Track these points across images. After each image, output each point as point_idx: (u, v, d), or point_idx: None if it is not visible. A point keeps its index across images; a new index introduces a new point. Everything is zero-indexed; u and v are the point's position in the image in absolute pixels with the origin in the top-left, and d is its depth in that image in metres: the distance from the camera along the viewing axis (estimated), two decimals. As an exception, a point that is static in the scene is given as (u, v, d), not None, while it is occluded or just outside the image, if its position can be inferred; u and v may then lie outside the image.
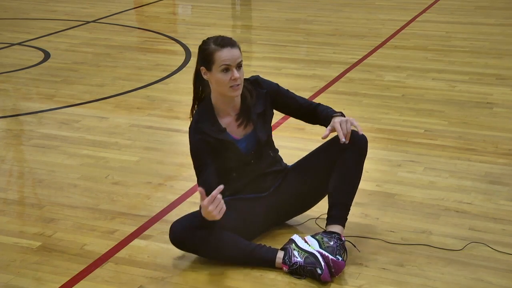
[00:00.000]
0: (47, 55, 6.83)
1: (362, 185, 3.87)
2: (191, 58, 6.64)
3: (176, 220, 3.26)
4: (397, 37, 7.31)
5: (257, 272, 3.15)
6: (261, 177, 3.46)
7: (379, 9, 8.58)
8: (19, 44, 7.29)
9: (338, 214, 3.29)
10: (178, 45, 7.18)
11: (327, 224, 3.27)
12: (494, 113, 5.16)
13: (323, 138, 3.25)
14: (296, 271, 3.10)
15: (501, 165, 4.27)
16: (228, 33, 7.89)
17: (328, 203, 3.33)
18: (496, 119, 5.05)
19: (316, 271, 3.04)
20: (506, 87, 5.75)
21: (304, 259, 3.09)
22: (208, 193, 2.96)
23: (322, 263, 3.04)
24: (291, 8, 9.12)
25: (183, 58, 6.70)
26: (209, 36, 3.27)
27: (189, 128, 3.30)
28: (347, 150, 3.32)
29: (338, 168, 3.34)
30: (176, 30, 8.12)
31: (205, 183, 3.14)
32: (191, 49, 6.94)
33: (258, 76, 3.43)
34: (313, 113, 3.44)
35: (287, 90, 3.48)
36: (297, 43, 7.31)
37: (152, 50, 7.09)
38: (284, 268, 3.13)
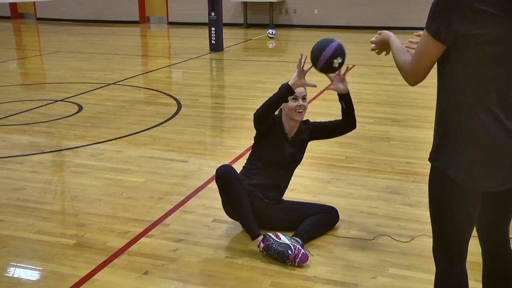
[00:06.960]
0: (80, 108, 6.75)
1: (302, 196, 3.90)
2: (182, 108, 6.62)
3: (231, 167, 3.21)
4: (325, 93, 7.37)
5: (238, 261, 3.12)
6: (273, 188, 3.42)
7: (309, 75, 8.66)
8: (61, 100, 7.19)
9: (302, 234, 3.26)
10: (172, 99, 7.13)
11: (292, 236, 3.22)
12: (391, 144, 5.22)
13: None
14: (268, 248, 3.04)
15: (397, 180, 4.31)
16: (207, 90, 7.95)
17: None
18: (392, 148, 5.10)
19: (287, 251, 2.99)
20: (399, 126, 5.83)
21: (278, 244, 3.04)
22: None
23: (293, 248, 3.01)
24: (251, 72, 9.16)
25: (175, 108, 6.66)
26: None
27: None
28: (326, 214, 3.41)
29: (314, 217, 3.38)
30: (171, 89, 8.07)
31: None
32: (181, 102, 6.92)
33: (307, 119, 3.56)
34: (339, 121, 3.51)
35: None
36: (256, 97, 7.32)
37: (154, 103, 7.03)
38: (261, 244, 3.08)
